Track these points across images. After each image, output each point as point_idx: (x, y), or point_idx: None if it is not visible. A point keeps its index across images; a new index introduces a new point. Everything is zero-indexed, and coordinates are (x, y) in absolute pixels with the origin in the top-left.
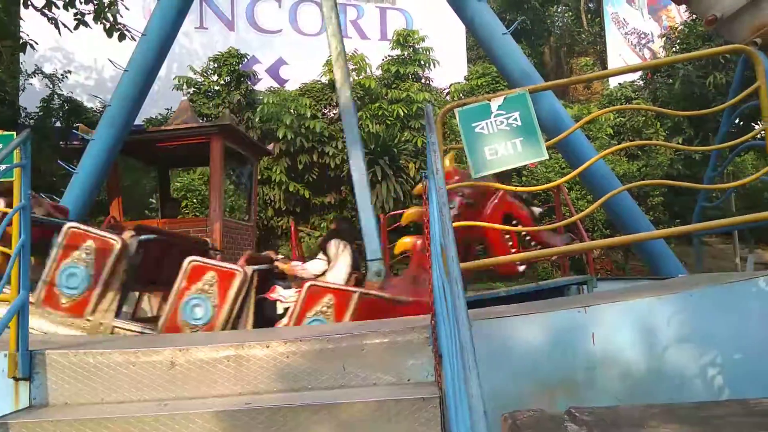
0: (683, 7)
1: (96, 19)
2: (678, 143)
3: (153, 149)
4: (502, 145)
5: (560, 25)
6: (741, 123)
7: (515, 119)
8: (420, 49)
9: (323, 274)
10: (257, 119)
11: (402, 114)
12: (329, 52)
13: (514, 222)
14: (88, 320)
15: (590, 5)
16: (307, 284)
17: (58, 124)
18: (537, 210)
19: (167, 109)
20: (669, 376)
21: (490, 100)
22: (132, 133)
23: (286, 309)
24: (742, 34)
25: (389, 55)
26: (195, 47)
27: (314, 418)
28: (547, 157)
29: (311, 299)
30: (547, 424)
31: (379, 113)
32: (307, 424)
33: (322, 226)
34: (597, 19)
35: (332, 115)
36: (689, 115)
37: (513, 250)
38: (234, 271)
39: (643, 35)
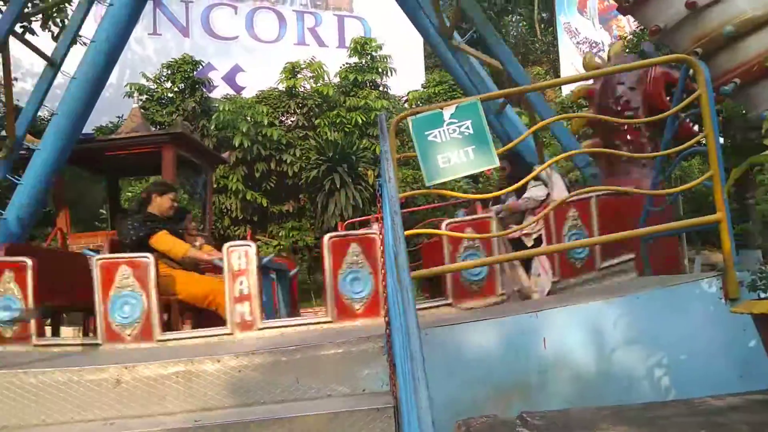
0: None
1: (44, 26)
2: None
3: (102, 158)
4: (455, 153)
5: (515, 34)
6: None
7: (467, 127)
8: (378, 57)
9: (547, 197)
10: (213, 127)
11: (360, 122)
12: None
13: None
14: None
15: (543, 15)
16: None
17: (2, 133)
18: None
19: (118, 117)
20: (618, 378)
21: (442, 109)
22: (80, 142)
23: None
24: (684, 44)
25: (347, 63)
26: (148, 53)
27: None
28: (497, 164)
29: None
30: (499, 430)
31: (338, 121)
32: None
33: (280, 234)
34: (550, 29)
35: (290, 122)
36: (635, 123)
37: None
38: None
39: (594, 44)
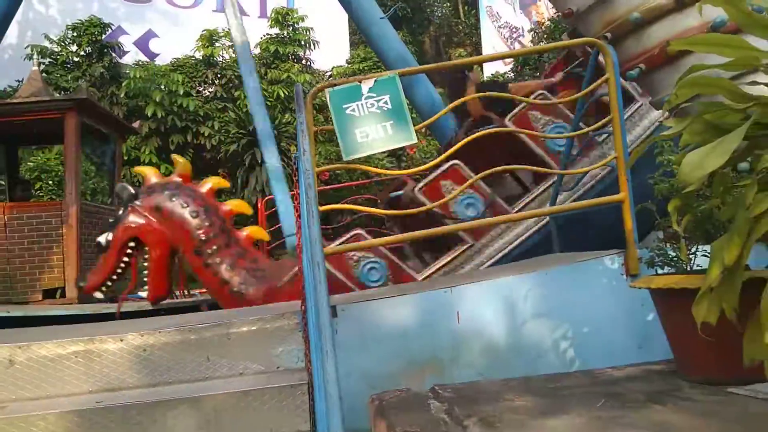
0: (550, 3)
1: None
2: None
3: None
4: (373, 128)
5: (439, 15)
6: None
7: (386, 102)
8: (300, 29)
9: None
10: (123, 95)
11: (282, 96)
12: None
13: None
14: None
15: None
16: None
17: None
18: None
19: (18, 81)
20: (527, 350)
21: (360, 82)
22: None
23: None
24: (595, 28)
25: (267, 34)
26: (52, 13)
27: (172, 413)
28: (415, 140)
29: None
30: (411, 403)
31: None
32: (164, 420)
33: None
34: (473, 11)
35: (207, 93)
36: (546, 103)
37: None
38: None
39: (514, 29)
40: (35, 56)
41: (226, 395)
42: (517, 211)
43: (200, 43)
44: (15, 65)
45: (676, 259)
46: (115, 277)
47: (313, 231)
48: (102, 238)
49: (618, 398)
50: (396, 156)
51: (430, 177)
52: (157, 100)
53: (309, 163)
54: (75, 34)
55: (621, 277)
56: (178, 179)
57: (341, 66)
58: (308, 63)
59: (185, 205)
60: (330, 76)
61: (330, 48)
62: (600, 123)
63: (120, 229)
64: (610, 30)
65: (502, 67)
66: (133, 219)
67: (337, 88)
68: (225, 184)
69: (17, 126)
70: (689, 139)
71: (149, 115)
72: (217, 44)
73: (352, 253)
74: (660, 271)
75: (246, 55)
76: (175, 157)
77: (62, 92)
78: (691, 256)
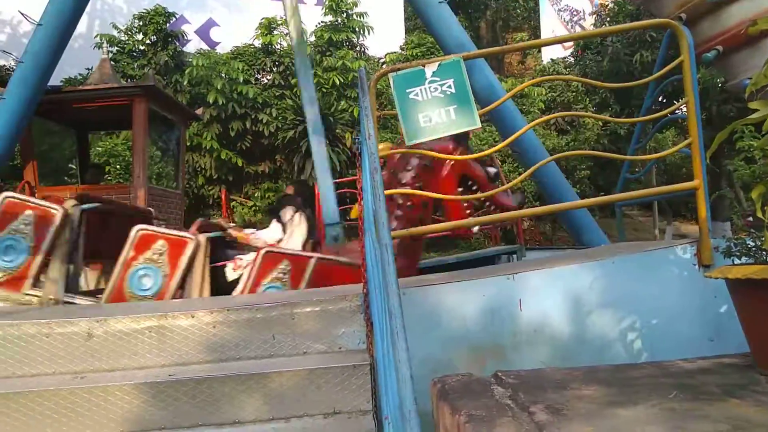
0: None
1: None
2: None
3: (71, 110)
4: (436, 113)
5: None
6: (663, 101)
7: (449, 86)
8: (353, 15)
9: (279, 242)
10: (186, 82)
11: (338, 83)
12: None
13: (470, 183)
14: (28, 294)
15: None
16: (262, 250)
17: None
18: (492, 170)
19: (88, 69)
20: (591, 340)
21: (424, 66)
22: (47, 93)
23: (240, 276)
24: (668, 9)
25: (322, 22)
26: (119, 3)
27: (241, 388)
28: (479, 125)
29: (267, 265)
30: (474, 388)
31: (315, 81)
32: (233, 394)
33: (255, 195)
34: None
35: (266, 80)
36: (616, 87)
37: (468, 212)
38: (186, 239)
39: (575, 12)
40: (104, 45)
41: (291, 373)
42: None
43: (259, 31)
44: (85, 54)
45: (755, 248)
46: None
47: (380, 214)
48: None
49: (691, 390)
50: None
51: None
52: (218, 87)
53: (374, 146)
54: (141, 23)
55: (693, 268)
56: None
57: (395, 52)
58: (362, 49)
59: None
60: (384, 62)
61: (385, 33)
62: (671, 108)
63: None
64: (684, 10)
65: (562, 52)
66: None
67: (400, 72)
68: None
69: (88, 112)
70: None
71: (210, 102)
72: (275, 32)
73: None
74: (737, 262)
75: (303, 51)
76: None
77: (129, 80)
78: None
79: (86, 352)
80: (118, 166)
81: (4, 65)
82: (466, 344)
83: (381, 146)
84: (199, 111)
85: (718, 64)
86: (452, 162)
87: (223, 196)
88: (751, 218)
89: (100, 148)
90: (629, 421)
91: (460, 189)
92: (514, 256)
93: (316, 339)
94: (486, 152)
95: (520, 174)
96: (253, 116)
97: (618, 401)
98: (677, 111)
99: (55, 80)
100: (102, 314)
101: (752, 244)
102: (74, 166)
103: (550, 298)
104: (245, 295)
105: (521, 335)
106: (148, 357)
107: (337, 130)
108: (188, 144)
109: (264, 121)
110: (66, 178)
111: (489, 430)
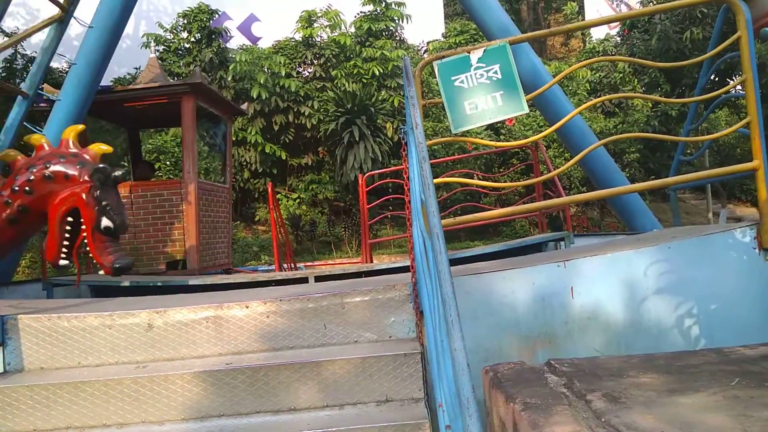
0: None
1: None
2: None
3: (121, 109)
4: (483, 99)
5: None
6: (716, 79)
7: (495, 72)
8: (392, 5)
9: None
10: (230, 78)
11: (378, 73)
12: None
13: (72, 221)
14: None
15: None
16: None
17: (22, 85)
18: (107, 223)
19: (136, 68)
20: (647, 328)
21: (469, 53)
22: (99, 93)
23: None
24: None
25: (361, 12)
26: (164, 3)
27: (296, 376)
28: (527, 111)
29: None
30: (527, 376)
31: (355, 72)
32: (288, 382)
33: (299, 187)
34: None
35: (307, 73)
36: (666, 66)
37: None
38: None
39: None
40: (151, 44)
41: (344, 361)
42: None
43: (299, 24)
44: (132, 54)
45: None
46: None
47: (431, 203)
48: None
49: (754, 377)
50: (494, 129)
51: None
52: (261, 82)
53: (422, 135)
54: (185, 21)
55: (753, 251)
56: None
57: (437, 40)
58: (401, 38)
59: None
60: (425, 51)
61: (424, 22)
62: (728, 87)
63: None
64: None
65: (609, 31)
66: None
67: (445, 60)
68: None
69: (138, 110)
70: None
71: (254, 96)
72: (315, 25)
73: None
74: None
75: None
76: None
77: (175, 78)
78: None
79: (147, 342)
80: (167, 162)
81: (57, 67)
82: (516, 332)
83: None
84: (244, 106)
85: None
86: (73, 191)
87: (269, 189)
88: None
89: (150, 146)
90: (691, 409)
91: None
92: (562, 243)
93: (366, 328)
94: (533, 138)
95: (566, 160)
96: (295, 109)
97: (678, 389)
98: (733, 90)
99: (105, 80)
100: (161, 305)
101: None
102: (126, 164)
103: (603, 285)
104: (296, 287)
105: (573, 323)
106: (205, 346)
107: (378, 121)
108: (234, 139)
109: (306, 114)
110: None
111: (546, 418)
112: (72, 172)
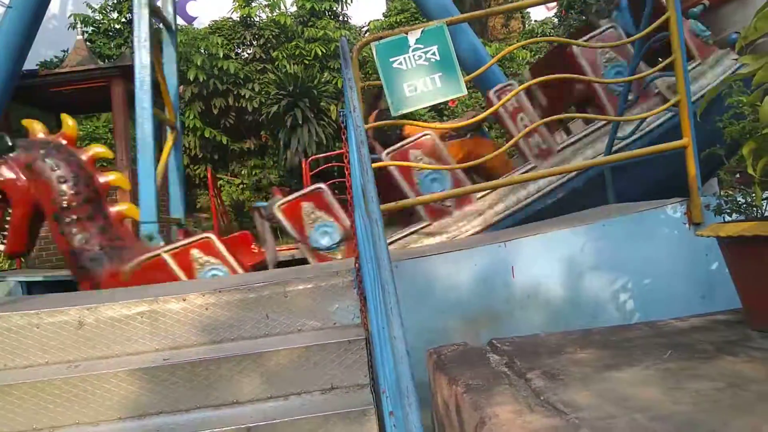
0: None
1: None
2: None
3: (48, 95)
4: (421, 81)
5: None
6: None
7: (434, 53)
8: None
9: None
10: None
11: (320, 54)
12: None
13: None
14: None
15: None
16: None
17: None
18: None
19: (63, 51)
20: (585, 304)
21: (407, 33)
22: (23, 78)
23: None
24: None
25: None
26: None
27: (237, 368)
28: (465, 92)
29: None
30: (470, 357)
31: (297, 53)
32: (230, 375)
33: (242, 172)
34: None
35: (246, 55)
36: (599, 47)
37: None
38: None
39: None
40: (79, 25)
41: (287, 351)
42: (560, 150)
43: (237, 3)
44: (59, 35)
45: (745, 205)
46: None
47: (369, 188)
48: None
49: (686, 349)
50: (437, 110)
51: (291, 197)
52: (198, 63)
53: (360, 119)
54: (115, 1)
55: (683, 226)
56: (62, 141)
57: (378, 20)
58: (345, 19)
59: (55, 167)
60: (367, 30)
61: (366, 1)
62: (658, 66)
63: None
64: None
65: (548, 13)
66: (2, 172)
67: (383, 41)
68: (108, 154)
69: (66, 95)
70: (765, 77)
71: (191, 79)
72: (253, 4)
73: (309, 212)
74: (728, 219)
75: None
76: (64, 117)
77: (106, 60)
78: (763, 202)
79: (78, 340)
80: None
81: None
82: (460, 314)
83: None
84: (180, 89)
85: (705, 19)
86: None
87: (209, 175)
88: (738, 175)
89: (81, 132)
90: (625, 383)
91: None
92: None
93: (310, 316)
94: (477, 118)
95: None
96: (235, 92)
97: (613, 363)
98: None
99: (30, 63)
100: (92, 302)
101: (743, 200)
102: None
103: (542, 263)
104: (236, 276)
105: (515, 302)
106: (141, 342)
107: (321, 103)
108: None
109: (247, 97)
110: None
111: (487, 399)
112: None
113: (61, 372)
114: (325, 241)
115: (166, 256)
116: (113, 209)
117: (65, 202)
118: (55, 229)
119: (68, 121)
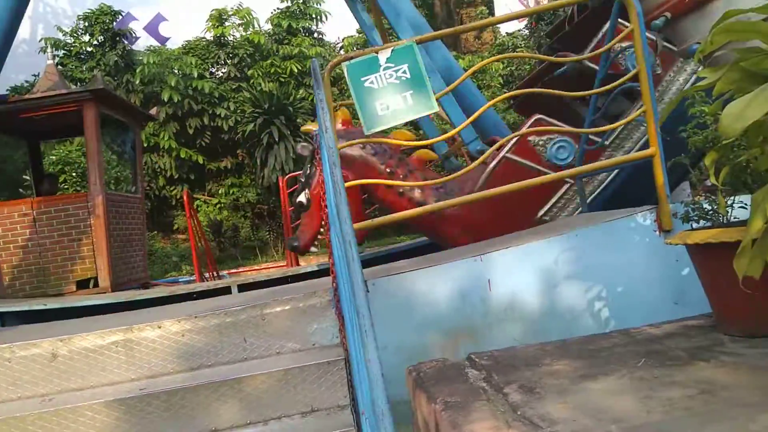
0: None
1: None
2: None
3: (18, 121)
4: (393, 99)
5: None
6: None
7: (404, 71)
8: (309, 1)
9: None
10: (138, 81)
11: (296, 71)
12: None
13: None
14: None
15: None
16: None
17: None
18: None
19: (35, 75)
20: (561, 314)
21: (377, 53)
22: None
23: None
24: None
25: (278, 9)
26: (62, 5)
27: (215, 395)
28: (436, 109)
29: None
30: (449, 373)
31: (272, 71)
32: (207, 402)
33: (220, 192)
34: None
35: (221, 74)
36: (566, 61)
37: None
38: None
39: None
40: (49, 49)
41: (265, 375)
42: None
43: (210, 23)
44: (30, 59)
45: (711, 212)
46: (322, 230)
47: (342, 210)
48: (302, 198)
49: (659, 356)
50: (413, 124)
51: (516, 135)
52: (172, 84)
53: (332, 140)
54: (86, 23)
55: (654, 234)
56: (342, 126)
57: (352, 36)
58: (320, 36)
59: (363, 146)
60: (342, 47)
61: (340, 17)
62: (624, 78)
63: (317, 185)
64: None
65: (518, 25)
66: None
67: (354, 60)
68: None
69: (37, 121)
70: (724, 87)
71: (165, 100)
72: (226, 23)
73: (537, 137)
74: (696, 226)
75: None
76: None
77: (78, 84)
78: (727, 209)
79: (52, 373)
80: (74, 174)
81: None
82: (438, 329)
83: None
84: (153, 111)
85: (667, 31)
86: None
87: (185, 196)
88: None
89: (54, 157)
90: (601, 394)
91: None
92: None
93: (288, 338)
94: (450, 133)
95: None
96: (210, 111)
97: (589, 374)
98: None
99: (1, 89)
100: (65, 332)
101: (708, 207)
102: (28, 177)
103: (518, 275)
104: (211, 300)
105: (492, 315)
106: (116, 372)
107: (297, 120)
108: (145, 145)
109: (222, 116)
110: (21, 190)
111: (465, 416)
112: None
113: (34, 407)
114: (562, 155)
115: (509, 155)
116: (413, 158)
117: (387, 168)
118: (394, 196)
119: (339, 113)
